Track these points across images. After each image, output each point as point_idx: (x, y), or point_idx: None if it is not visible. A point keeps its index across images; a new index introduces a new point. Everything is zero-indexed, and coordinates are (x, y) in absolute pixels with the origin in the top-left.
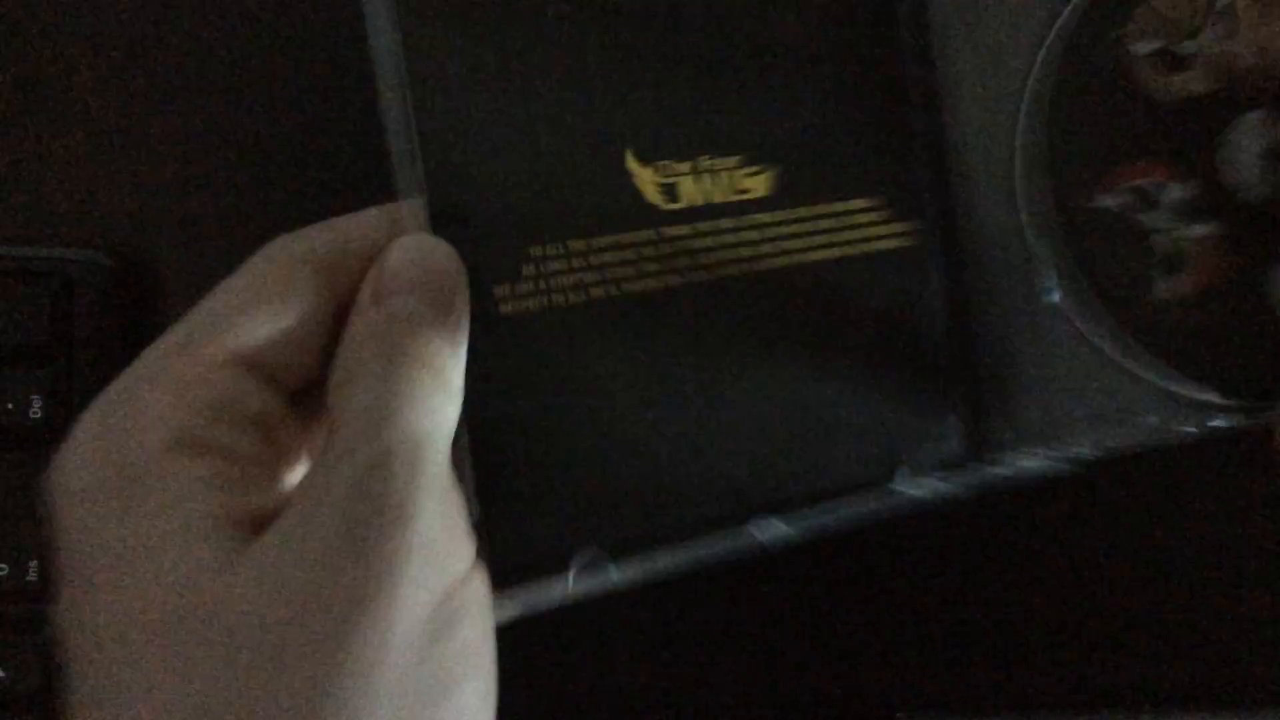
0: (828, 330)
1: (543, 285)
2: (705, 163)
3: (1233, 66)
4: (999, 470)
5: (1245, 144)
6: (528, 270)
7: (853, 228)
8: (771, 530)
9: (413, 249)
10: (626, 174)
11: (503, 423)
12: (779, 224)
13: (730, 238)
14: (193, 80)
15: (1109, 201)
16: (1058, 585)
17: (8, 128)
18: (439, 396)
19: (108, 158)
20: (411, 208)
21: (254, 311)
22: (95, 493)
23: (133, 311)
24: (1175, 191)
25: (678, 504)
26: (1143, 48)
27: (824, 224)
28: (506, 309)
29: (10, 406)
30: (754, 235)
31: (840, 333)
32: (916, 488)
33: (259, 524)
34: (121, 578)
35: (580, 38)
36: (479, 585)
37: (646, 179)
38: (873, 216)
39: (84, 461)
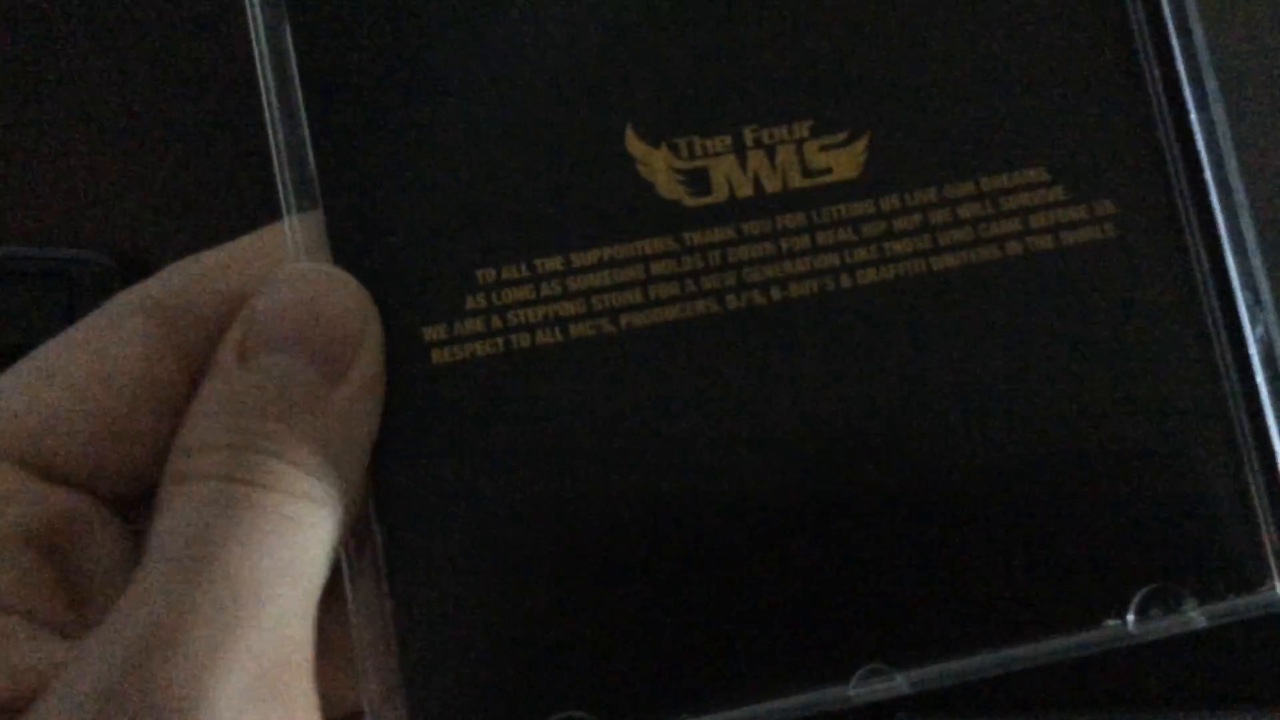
0: (991, 383)
1: (497, 322)
2: (752, 134)
3: None
4: None
5: None
6: (475, 301)
7: (1006, 215)
8: (884, 688)
9: (294, 283)
10: (626, 160)
11: (436, 527)
12: (882, 216)
13: (800, 242)
14: (195, 79)
15: None
16: None
17: (9, 128)
18: (306, 514)
19: (108, 158)
20: (303, 226)
21: (37, 384)
22: None
23: None
24: None
25: (716, 651)
26: None
27: (959, 213)
28: (441, 358)
29: None
30: (841, 236)
31: (1012, 386)
32: (1157, 624)
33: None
34: None
35: None
36: None
37: (658, 165)
38: (1042, 196)
39: None
